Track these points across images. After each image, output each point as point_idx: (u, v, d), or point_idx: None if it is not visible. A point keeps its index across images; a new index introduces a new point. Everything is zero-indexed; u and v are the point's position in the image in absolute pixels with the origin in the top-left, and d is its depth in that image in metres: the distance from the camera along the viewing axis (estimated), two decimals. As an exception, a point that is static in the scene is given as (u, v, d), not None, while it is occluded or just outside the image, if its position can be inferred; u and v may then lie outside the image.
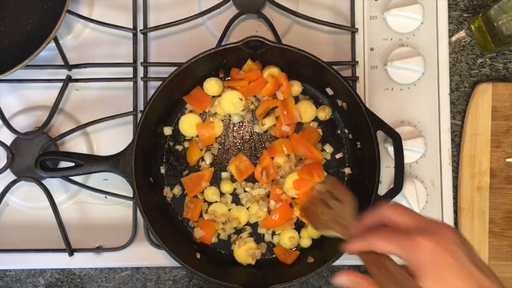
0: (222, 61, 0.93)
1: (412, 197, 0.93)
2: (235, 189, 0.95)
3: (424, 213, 0.94)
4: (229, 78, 0.96)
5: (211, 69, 0.94)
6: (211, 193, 0.94)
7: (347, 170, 0.96)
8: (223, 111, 0.95)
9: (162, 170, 0.95)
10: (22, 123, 0.98)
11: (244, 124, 0.96)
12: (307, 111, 0.95)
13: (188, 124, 0.95)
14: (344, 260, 0.92)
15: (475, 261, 0.53)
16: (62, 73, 0.97)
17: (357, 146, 0.94)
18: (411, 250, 0.54)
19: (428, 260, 0.52)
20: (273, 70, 0.93)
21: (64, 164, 0.94)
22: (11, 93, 0.99)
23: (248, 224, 0.94)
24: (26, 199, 0.97)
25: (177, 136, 0.96)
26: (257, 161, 0.95)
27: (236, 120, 0.96)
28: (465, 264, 0.52)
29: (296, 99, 0.96)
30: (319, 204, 0.78)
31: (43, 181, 0.94)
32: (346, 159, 0.96)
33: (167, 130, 0.95)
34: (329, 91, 0.94)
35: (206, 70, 0.94)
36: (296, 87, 0.96)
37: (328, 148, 0.95)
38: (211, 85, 0.95)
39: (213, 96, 0.95)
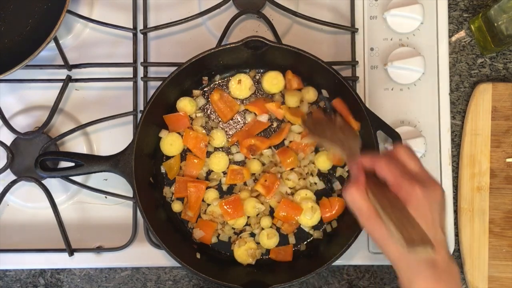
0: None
1: (412, 197, 0.92)
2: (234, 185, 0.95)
3: (424, 213, 0.95)
4: (213, 85, 0.96)
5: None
6: (211, 197, 0.94)
7: (347, 169, 0.96)
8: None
9: (162, 170, 0.95)
10: (22, 123, 0.98)
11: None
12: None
13: (169, 143, 0.94)
14: (344, 260, 0.92)
15: (440, 218, 0.68)
16: (62, 73, 0.97)
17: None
18: (406, 190, 0.67)
19: (414, 203, 0.66)
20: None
21: (64, 164, 0.94)
22: (11, 93, 0.99)
23: (247, 224, 0.94)
24: (26, 199, 0.97)
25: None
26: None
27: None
28: (434, 217, 0.67)
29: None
30: (328, 123, 0.83)
31: (43, 181, 0.94)
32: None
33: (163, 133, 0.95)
34: (325, 93, 0.95)
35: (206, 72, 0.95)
36: (312, 94, 0.95)
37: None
38: (184, 105, 0.94)
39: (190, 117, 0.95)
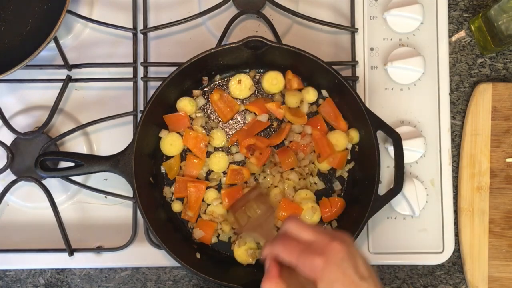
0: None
1: (412, 197, 0.92)
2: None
3: (424, 213, 0.95)
4: (213, 85, 0.96)
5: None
6: (211, 197, 0.94)
7: (347, 169, 0.96)
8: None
9: (162, 170, 0.95)
10: (22, 123, 0.98)
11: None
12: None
13: (169, 143, 0.94)
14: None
15: (358, 270, 0.66)
16: (62, 73, 0.97)
17: (356, 146, 0.95)
18: (310, 268, 0.66)
19: (322, 275, 0.65)
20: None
21: (64, 164, 0.94)
22: (11, 93, 0.99)
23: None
24: (26, 199, 0.97)
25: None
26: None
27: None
28: (349, 275, 0.65)
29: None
30: (250, 206, 0.83)
31: (43, 181, 0.94)
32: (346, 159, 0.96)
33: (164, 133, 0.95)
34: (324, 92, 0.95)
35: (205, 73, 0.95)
36: (312, 94, 0.95)
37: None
38: (184, 105, 0.94)
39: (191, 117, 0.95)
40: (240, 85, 0.95)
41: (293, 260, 0.67)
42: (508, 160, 0.97)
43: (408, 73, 0.96)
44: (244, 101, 0.97)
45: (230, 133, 0.96)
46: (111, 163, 0.88)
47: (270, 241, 0.72)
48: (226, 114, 0.95)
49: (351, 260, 0.67)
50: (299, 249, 0.68)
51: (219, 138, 0.95)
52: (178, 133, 0.95)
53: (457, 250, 0.97)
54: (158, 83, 0.89)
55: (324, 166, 0.95)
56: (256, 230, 0.81)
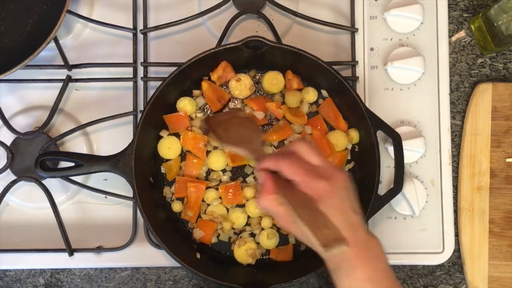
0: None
1: (412, 197, 0.93)
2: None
3: (424, 213, 0.95)
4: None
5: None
6: (211, 197, 0.94)
7: (347, 169, 0.96)
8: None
9: (162, 170, 0.95)
10: (22, 123, 0.98)
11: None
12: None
13: (167, 146, 0.94)
14: (344, 260, 0.92)
15: (351, 203, 0.72)
16: (62, 73, 0.97)
17: (356, 146, 0.95)
18: (312, 188, 0.71)
19: (324, 196, 0.70)
20: None
21: (64, 164, 0.94)
22: (11, 93, 0.99)
23: (247, 224, 0.94)
24: (26, 199, 0.97)
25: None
26: None
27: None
28: (345, 204, 0.72)
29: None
30: (231, 120, 0.84)
31: (43, 181, 0.94)
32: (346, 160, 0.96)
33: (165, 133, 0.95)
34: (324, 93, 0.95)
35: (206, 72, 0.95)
36: (312, 94, 0.95)
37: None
38: (184, 105, 0.94)
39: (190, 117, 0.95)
40: (240, 85, 0.95)
41: (298, 178, 0.71)
42: (508, 160, 0.97)
43: (408, 73, 0.96)
44: (244, 101, 0.97)
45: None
46: (111, 163, 0.88)
47: (269, 156, 0.75)
48: (215, 103, 0.95)
49: (349, 192, 0.73)
50: (305, 168, 0.72)
51: None
52: (177, 134, 0.95)
53: (457, 250, 0.97)
54: (158, 83, 0.89)
55: None
56: (242, 145, 0.80)
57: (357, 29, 0.98)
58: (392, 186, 0.88)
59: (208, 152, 0.95)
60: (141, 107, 0.97)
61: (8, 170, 0.95)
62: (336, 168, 0.74)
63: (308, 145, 0.74)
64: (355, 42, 0.98)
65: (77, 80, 0.97)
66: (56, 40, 0.94)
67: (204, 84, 0.94)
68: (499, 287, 0.95)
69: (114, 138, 0.98)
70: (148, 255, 0.95)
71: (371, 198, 0.86)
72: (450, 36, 1.01)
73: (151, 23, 0.99)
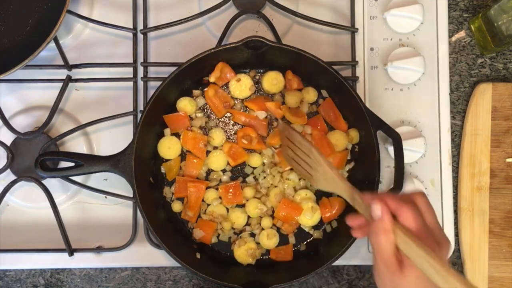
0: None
1: (412, 197, 0.92)
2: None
3: (424, 213, 0.95)
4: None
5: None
6: (211, 197, 0.94)
7: (347, 169, 0.96)
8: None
9: (162, 170, 0.95)
10: (22, 123, 0.98)
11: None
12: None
13: (167, 146, 0.94)
14: (344, 260, 0.92)
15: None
16: (62, 73, 0.97)
17: (356, 146, 0.95)
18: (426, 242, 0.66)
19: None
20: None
21: (64, 164, 0.94)
22: (11, 93, 0.99)
23: (247, 224, 0.94)
24: (26, 199, 0.97)
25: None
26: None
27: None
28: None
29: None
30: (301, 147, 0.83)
31: (43, 181, 0.94)
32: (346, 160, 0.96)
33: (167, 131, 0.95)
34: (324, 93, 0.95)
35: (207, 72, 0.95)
36: (312, 94, 0.95)
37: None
38: (184, 105, 0.94)
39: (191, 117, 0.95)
40: (240, 85, 0.95)
41: (415, 229, 0.67)
42: (508, 160, 0.97)
43: (408, 73, 0.96)
44: (244, 102, 0.97)
45: (229, 130, 0.96)
46: (111, 163, 0.88)
47: (391, 196, 0.70)
48: (221, 110, 0.95)
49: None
50: (423, 224, 0.69)
51: (218, 137, 0.95)
52: (177, 134, 0.95)
53: (457, 250, 0.97)
54: (158, 83, 0.89)
55: None
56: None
57: (357, 29, 0.98)
58: (392, 186, 0.88)
59: (208, 152, 0.95)
60: (141, 107, 0.97)
61: (8, 170, 0.95)
62: (446, 237, 0.72)
63: (426, 199, 0.72)
64: (355, 42, 0.98)
65: (77, 80, 0.97)
66: (56, 40, 0.94)
67: (210, 91, 0.94)
68: (499, 287, 0.95)
69: (114, 138, 0.98)
70: (148, 255, 0.95)
71: (371, 198, 0.86)
72: (450, 36, 1.01)
73: (151, 23, 0.99)
